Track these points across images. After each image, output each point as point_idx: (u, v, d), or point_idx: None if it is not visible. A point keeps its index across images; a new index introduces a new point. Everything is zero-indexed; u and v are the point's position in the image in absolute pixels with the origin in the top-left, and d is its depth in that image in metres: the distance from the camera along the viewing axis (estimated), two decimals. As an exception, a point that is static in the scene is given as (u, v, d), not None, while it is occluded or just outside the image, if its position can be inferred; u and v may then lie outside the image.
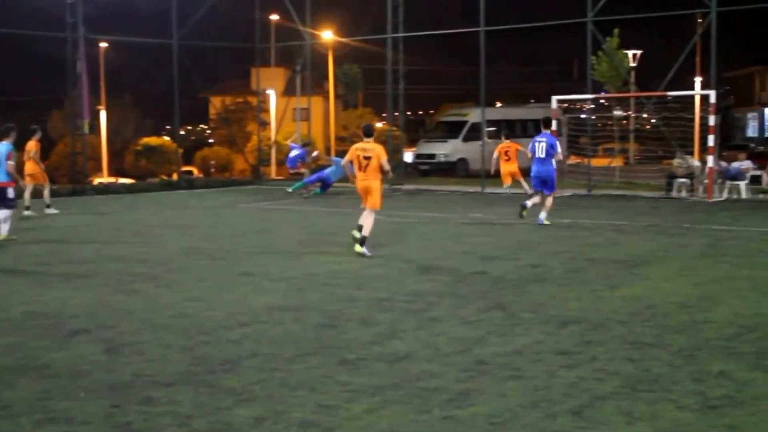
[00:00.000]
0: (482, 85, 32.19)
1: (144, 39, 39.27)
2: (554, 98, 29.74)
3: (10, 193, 16.68)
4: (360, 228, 14.44)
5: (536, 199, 19.04)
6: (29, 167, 21.99)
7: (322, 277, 12.04)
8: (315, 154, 30.37)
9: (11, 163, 16.65)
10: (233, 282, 11.84)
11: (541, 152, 18.73)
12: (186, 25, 35.48)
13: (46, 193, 22.74)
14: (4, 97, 62.79)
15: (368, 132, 14.75)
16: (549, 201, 18.92)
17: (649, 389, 6.67)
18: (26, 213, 21.41)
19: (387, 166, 14.53)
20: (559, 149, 18.94)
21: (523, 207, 19.21)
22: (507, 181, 25.39)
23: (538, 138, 18.96)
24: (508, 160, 25.24)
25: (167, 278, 12.16)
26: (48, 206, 22.40)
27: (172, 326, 9.01)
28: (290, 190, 28.27)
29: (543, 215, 18.72)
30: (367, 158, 14.42)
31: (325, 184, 28.12)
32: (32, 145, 22.19)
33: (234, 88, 62.89)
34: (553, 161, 18.74)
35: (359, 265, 13.08)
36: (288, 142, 33.88)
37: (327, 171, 28.39)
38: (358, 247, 14.26)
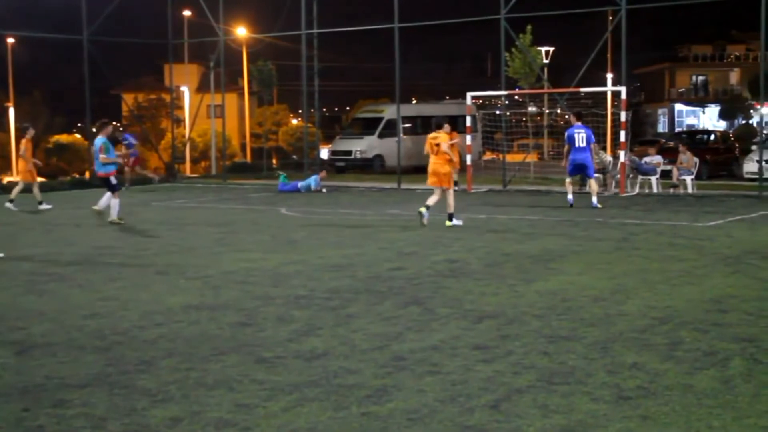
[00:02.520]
0: (397, 82, 32.31)
1: (53, 34, 38.55)
2: (469, 94, 30.01)
3: (113, 180, 18.78)
4: (427, 207, 17.67)
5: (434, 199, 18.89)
6: (21, 165, 22.31)
7: (238, 275, 11.96)
8: (323, 174, 29.90)
9: (104, 156, 18.58)
10: (148, 281, 11.69)
11: (581, 141, 21.16)
12: (96, 20, 34.89)
13: (36, 190, 22.96)
14: None
15: (439, 126, 18.79)
16: (594, 184, 21.76)
17: (564, 382, 6.76)
18: (8, 205, 22.18)
19: (446, 148, 17.80)
20: (593, 139, 21.65)
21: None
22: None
23: (576, 129, 21.32)
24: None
25: (80, 278, 11.96)
26: (40, 203, 22.68)
27: (85, 327, 8.86)
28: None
29: (594, 199, 21.31)
30: (438, 145, 17.80)
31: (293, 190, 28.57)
32: (24, 143, 22.41)
33: (147, 84, 62.12)
34: (591, 149, 21.47)
35: (275, 263, 13.03)
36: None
37: (300, 184, 28.78)
38: (448, 222, 17.61)
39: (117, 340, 8.30)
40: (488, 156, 42.19)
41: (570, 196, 21.76)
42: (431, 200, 17.97)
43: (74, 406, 6.33)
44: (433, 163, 17.87)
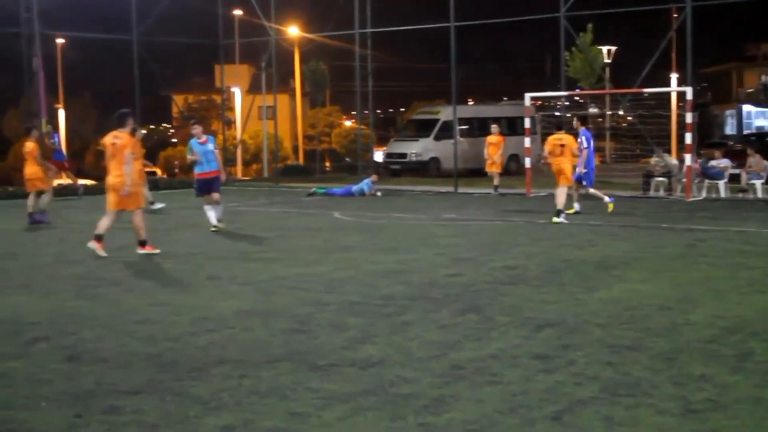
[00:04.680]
0: (453, 82, 32.28)
1: (103, 35, 39.06)
2: (527, 95, 29.86)
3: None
4: (567, 209, 19.30)
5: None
6: (29, 170, 20.75)
7: (291, 281, 12.01)
8: (375, 178, 29.80)
9: (189, 156, 18.44)
10: (199, 286, 11.79)
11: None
12: (147, 20, 35.30)
13: (46, 199, 21.01)
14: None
15: (559, 126, 20.75)
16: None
17: (629, 394, 6.70)
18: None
19: (576, 152, 19.93)
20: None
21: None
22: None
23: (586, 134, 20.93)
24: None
25: (131, 283, 12.10)
26: (41, 212, 20.88)
27: (137, 333, 8.96)
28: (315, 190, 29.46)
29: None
30: (562, 146, 19.67)
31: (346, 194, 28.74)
32: (30, 146, 20.97)
33: (197, 85, 62.65)
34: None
35: (328, 268, 13.06)
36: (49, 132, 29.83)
37: (354, 187, 28.82)
38: (555, 219, 18.91)
39: (169, 346, 8.38)
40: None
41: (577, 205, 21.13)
42: (560, 200, 19.38)
43: (126, 413, 6.40)
44: (559, 163, 19.62)
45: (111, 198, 14.91)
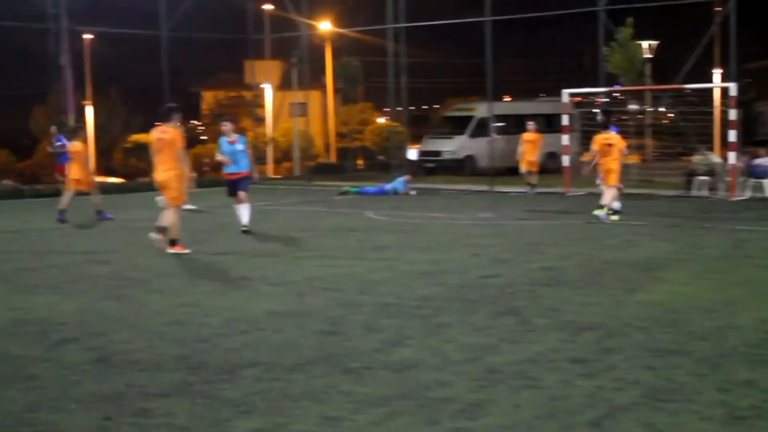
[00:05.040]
0: (489, 78, 32.21)
1: (131, 30, 39.28)
2: (565, 92, 29.73)
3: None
4: (606, 206, 19.49)
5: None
6: (74, 170, 21.17)
7: (323, 282, 12.04)
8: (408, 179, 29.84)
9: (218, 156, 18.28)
10: (230, 287, 11.84)
11: None
12: (175, 15, 35.47)
13: (97, 199, 21.63)
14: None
15: (605, 125, 21.23)
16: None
17: (671, 399, 6.66)
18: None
19: (626, 151, 20.71)
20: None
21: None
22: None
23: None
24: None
25: (160, 283, 12.17)
26: (100, 212, 21.48)
27: (167, 334, 9.01)
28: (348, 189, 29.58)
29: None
30: (610, 145, 19.84)
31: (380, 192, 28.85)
32: (78, 146, 21.48)
33: (227, 81, 62.72)
34: None
35: (362, 269, 13.08)
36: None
37: (387, 186, 28.91)
38: (596, 211, 19.58)
39: (199, 348, 8.42)
40: (586, 157, 41.75)
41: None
42: (609, 198, 19.56)
43: (156, 416, 6.44)
44: (607, 162, 19.86)
45: (169, 194, 15.09)
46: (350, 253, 15.00)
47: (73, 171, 21.25)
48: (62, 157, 28.51)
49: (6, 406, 6.73)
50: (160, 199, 22.38)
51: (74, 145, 21.58)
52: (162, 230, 14.95)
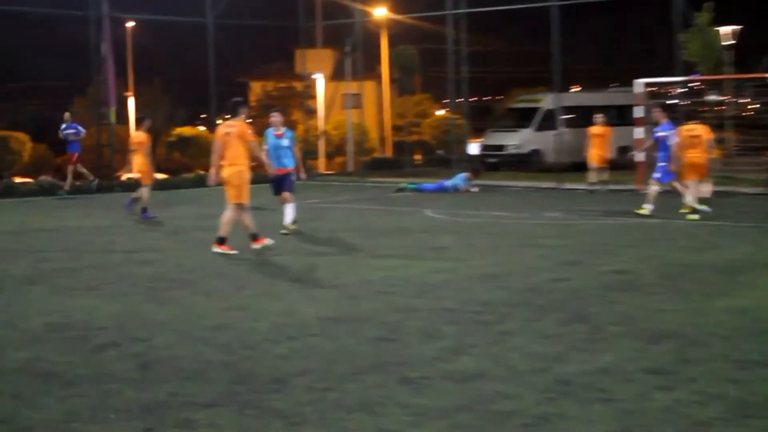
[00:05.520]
0: (556, 67, 32.01)
1: (176, 17, 39.58)
2: (638, 81, 29.43)
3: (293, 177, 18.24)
4: (697, 204, 19.57)
5: None
6: (138, 163, 21.61)
7: (379, 284, 12.02)
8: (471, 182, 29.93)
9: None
10: (278, 290, 11.86)
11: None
12: (222, 1, 35.67)
13: (146, 194, 21.68)
14: (20, 83, 63.50)
15: (690, 116, 21.40)
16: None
17: (758, 415, 6.55)
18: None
19: (713, 144, 20.60)
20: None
21: None
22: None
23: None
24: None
25: (205, 285, 12.22)
26: (144, 210, 21.59)
27: (212, 339, 9.03)
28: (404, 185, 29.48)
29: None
30: (695, 137, 19.89)
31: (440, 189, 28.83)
32: (141, 137, 21.86)
33: (276, 71, 63.02)
34: None
35: (420, 271, 13.04)
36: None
37: (448, 183, 28.84)
38: (689, 214, 19.42)
39: (246, 354, 8.42)
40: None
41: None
42: (692, 194, 19.58)
43: (200, 427, 6.45)
44: (692, 156, 19.77)
45: (228, 191, 15.21)
46: (407, 254, 14.96)
47: (137, 163, 21.73)
48: (73, 145, 28.95)
49: (43, 415, 6.77)
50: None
51: (138, 136, 22.05)
52: (255, 236, 15.13)
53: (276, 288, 11.99)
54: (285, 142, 17.86)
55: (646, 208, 20.28)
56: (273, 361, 8.19)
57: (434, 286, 11.91)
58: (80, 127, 29.19)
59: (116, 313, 10.40)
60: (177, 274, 13.19)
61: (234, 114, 15.63)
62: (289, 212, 17.80)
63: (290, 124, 48.80)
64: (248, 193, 15.26)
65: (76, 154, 29.22)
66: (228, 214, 15.14)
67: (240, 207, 15.15)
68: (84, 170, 29.39)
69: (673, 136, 20.01)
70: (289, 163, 17.95)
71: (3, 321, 10.14)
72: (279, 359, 8.24)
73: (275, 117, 18.19)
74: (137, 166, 21.79)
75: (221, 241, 15.09)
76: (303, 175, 18.67)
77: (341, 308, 10.53)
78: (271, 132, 17.98)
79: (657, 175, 20.54)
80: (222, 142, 15.15)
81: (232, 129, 15.13)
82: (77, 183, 29.51)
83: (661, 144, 20.51)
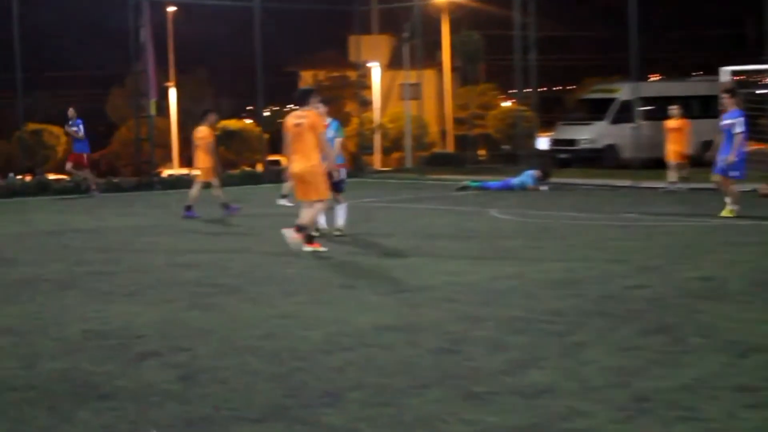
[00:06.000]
0: (634, 54, 31.80)
1: (220, 1, 39.81)
2: (724, 69, 29.18)
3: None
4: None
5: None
6: (201, 159, 22.09)
7: (440, 291, 12.01)
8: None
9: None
10: (331, 296, 11.89)
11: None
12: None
13: (218, 192, 22.36)
14: (55, 71, 64.24)
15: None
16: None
17: None
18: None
19: None
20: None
21: None
22: None
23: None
24: None
25: (253, 291, 12.28)
26: (226, 205, 22.19)
27: (260, 349, 9.07)
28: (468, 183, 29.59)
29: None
30: None
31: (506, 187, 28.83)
32: (204, 132, 22.28)
33: (328, 60, 63.31)
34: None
35: (485, 277, 13.02)
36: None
37: (514, 180, 28.86)
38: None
39: (297, 366, 8.45)
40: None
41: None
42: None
43: (248, 444, 6.48)
44: None
45: (298, 187, 15.33)
46: (471, 258, 14.95)
47: (200, 160, 22.07)
48: (79, 145, 29.11)
49: (79, 429, 6.83)
50: (283, 202, 22.83)
51: (202, 131, 22.30)
52: (302, 229, 15.17)
53: (329, 294, 12.01)
54: (330, 133, 17.87)
55: (732, 210, 20.00)
56: (325, 373, 8.21)
57: (500, 292, 11.88)
58: (81, 126, 29.13)
59: (157, 321, 10.48)
60: (222, 278, 13.26)
61: (303, 103, 15.66)
62: (341, 213, 17.82)
63: (343, 117, 48.94)
64: (324, 190, 15.35)
65: (85, 155, 29.61)
66: (311, 212, 15.28)
67: (311, 204, 15.26)
68: (80, 172, 29.65)
69: (740, 125, 19.63)
70: (337, 160, 17.97)
71: (37, 328, 10.25)
72: (332, 371, 8.26)
73: (319, 108, 18.22)
74: (199, 163, 22.16)
75: (310, 240, 15.20)
76: (336, 175, 18.25)
77: (399, 316, 10.52)
78: None
79: (735, 173, 20.03)
80: (292, 134, 15.23)
81: (302, 120, 15.21)
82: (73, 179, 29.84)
83: (726, 134, 19.87)
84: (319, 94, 16.01)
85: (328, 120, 17.96)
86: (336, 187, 17.65)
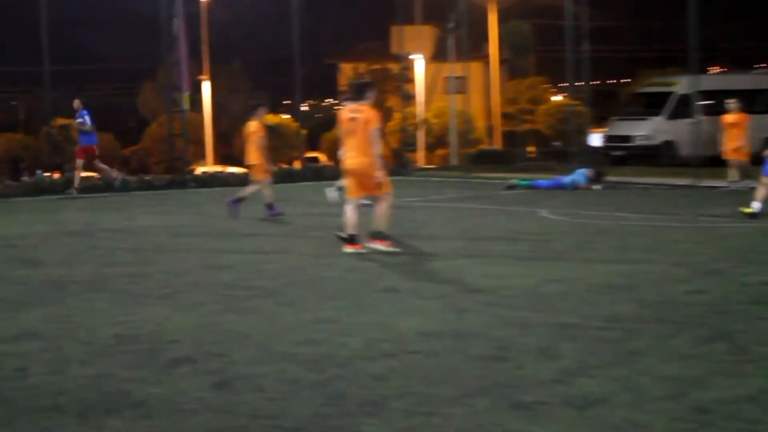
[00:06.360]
0: (693, 46, 31.63)
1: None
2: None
3: None
4: None
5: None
6: (251, 156, 22.15)
7: (487, 295, 12.00)
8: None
9: None
10: (373, 300, 11.90)
11: None
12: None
13: (268, 191, 22.31)
14: (84, 65, 64.67)
15: None
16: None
17: None
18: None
19: None
20: None
21: None
22: None
23: None
24: None
25: (290, 294, 12.31)
26: (271, 206, 22.16)
27: (298, 356, 9.09)
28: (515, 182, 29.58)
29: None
30: None
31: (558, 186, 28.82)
32: (255, 127, 22.30)
33: (370, 52, 63.33)
34: None
35: (534, 280, 12.99)
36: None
37: (566, 179, 28.81)
38: None
39: (337, 373, 8.46)
40: None
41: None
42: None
43: (286, 455, 6.50)
44: None
45: (351, 184, 15.42)
46: (520, 260, 14.92)
47: (251, 156, 22.09)
48: (85, 138, 29.13)
49: (109, 438, 6.89)
50: (333, 194, 22.87)
51: (252, 125, 22.33)
52: (379, 235, 15.31)
53: (370, 298, 12.02)
54: None
55: (753, 207, 19.82)
56: (367, 381, 8.22)
57: (551, 297, 11.85)
58: (87, 118, 29.03)
59: (191, 325, 10.53)
60: (259, 281, 13.31)
61: (359, 97, 15.65)
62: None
63: (386, 112, 49.01)
64: (387, 183, 15.44)
65: (94, 147, 29.58)
66: (382, 211, 15.41)
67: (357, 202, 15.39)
68: (78, 173, 29.79)
69: None
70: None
71: (66, 332, 10.33)
72: (374, 379, 8.27)
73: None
74: (250, 160, 22.18)
75: (378, 237, 15.33)
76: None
77: (445, 322, 10.52)
78: None
79: None
80: (346, 129, 15.29)
81: (358, 114, 15.25)
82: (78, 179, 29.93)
83: None
84: (375, 87, 16.01)
85: None
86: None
